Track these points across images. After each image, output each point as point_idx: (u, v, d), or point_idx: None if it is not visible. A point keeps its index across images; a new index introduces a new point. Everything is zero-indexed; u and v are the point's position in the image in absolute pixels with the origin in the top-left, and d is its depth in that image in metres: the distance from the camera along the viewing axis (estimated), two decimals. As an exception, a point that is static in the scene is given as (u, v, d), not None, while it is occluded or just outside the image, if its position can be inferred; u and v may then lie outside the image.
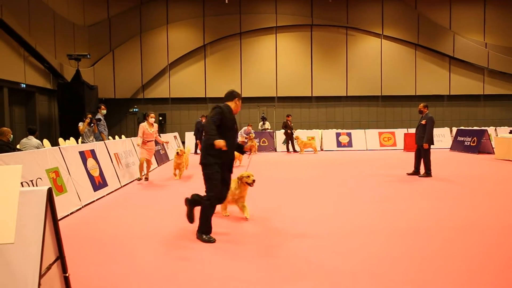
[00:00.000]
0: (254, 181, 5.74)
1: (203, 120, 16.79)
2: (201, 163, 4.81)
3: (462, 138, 17.47)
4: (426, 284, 3.48)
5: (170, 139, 16.81)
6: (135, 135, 19.98)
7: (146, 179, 9.86)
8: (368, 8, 23.47)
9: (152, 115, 9.63)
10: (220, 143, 4.49)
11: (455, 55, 23.52)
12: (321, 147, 18.75)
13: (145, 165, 9.85)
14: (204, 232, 4.78)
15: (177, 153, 9.93)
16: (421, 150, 10.05)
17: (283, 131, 17.77)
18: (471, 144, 16.67)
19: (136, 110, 23.17)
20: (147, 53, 22.95)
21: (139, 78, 22.89)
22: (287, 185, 8.97)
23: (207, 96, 23.49)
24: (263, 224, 5.55)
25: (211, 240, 4.70)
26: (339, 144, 18.49)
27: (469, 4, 23.72)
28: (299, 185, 8.88)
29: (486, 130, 16.83)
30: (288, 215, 6.07)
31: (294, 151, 17.62)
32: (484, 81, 23.90)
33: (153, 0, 22.95)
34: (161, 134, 15.69)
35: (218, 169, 4.74)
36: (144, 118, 9.31)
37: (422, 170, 10.12)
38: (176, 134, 18.78)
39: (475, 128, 18.86)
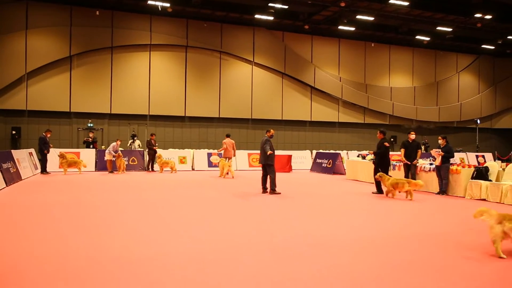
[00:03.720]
0: None
1: (48, 135, 15.71)
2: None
3: (320, 160, 19.37)
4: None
5: (25, 156, 15.08)
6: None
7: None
8: (240, 35, 24.75)
9: None
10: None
11: (316, 85, 26.18)
12: (192, 166, 18.86)
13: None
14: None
15: None
16: (266, 168, 11.00)
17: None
18: (328, 165, 18.59)
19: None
20: (0, 59, 20.40)
21: (-12, 87, 20.16)
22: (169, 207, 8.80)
23: (71, 111, 21.76)
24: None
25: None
26: (210, 164, 18.80)
27: (326, 43, 26.77)
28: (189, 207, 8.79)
29: (339, 153, 18.99)
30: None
31: (152, 170, 17.57)
32: (339, 110, 27.03)
33: (9, 2, 20.61)
34: (13, 151, 14.01)
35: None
36: None
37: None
38: (32, 150, 16.90)
39: (331, 151, 21.11)
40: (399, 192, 10.43)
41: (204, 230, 6.37)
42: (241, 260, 4.79)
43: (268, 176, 10.99)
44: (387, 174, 10.99)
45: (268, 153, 10.69)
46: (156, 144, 17.96)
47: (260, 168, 11.42)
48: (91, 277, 4.10)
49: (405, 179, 10.88)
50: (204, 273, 4.28)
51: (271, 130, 11.44)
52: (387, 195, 10.69)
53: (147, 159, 17.85)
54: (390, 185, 10.53)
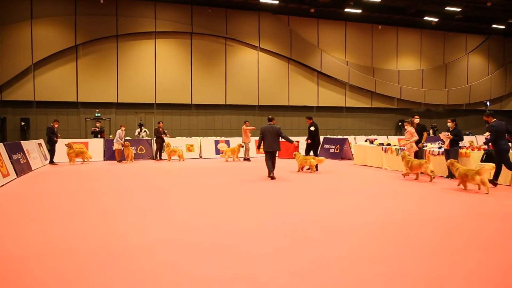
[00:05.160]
0: None
1: (56, 125, 15.65)
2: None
3: (328, 146, 19.30)
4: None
5: (34, 147, 15.21)
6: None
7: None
8: (246, 21, 24.51)
9: None
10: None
11: (322, 70, 25.95)
12: (200, 154, 18.90)
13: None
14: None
15: None
16: (273, 155, 11.32)
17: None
18: (335, 151, 18.52)
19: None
20: (6, 50, 20.43)
21: (-4, 78, 20.27)
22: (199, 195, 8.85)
23: (79, 101, 21.84)
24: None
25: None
26: (217, 151, 18.84)
27: (332, 26, 26.43)
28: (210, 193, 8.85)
29: (347, 138, 18.89)
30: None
31: (161, 158, 17.52)
32: (346, 95, 26.82)
33: (14, -8, 20.58)
34: (23, 142, 14.14)
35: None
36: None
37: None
38: (41, 141, 17.06)
39: (338, 136, 21.00)
40: (308, 166, 12.75)
41: (214, 217, 6.40)
42: (256, 247, 4.81)
43: (272, 162, 11.32)
44: (316, 153, 13.37)
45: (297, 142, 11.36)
46: (166, 132, 17.84)
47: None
48: (85, 266, 4.15)
49: (312, 156, 12.99)
50: (221, 261, 4.31)
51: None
52: (298, 170, 12.85)
53: (155, 147, 17.87)
54: (300, 162, 12.78)
